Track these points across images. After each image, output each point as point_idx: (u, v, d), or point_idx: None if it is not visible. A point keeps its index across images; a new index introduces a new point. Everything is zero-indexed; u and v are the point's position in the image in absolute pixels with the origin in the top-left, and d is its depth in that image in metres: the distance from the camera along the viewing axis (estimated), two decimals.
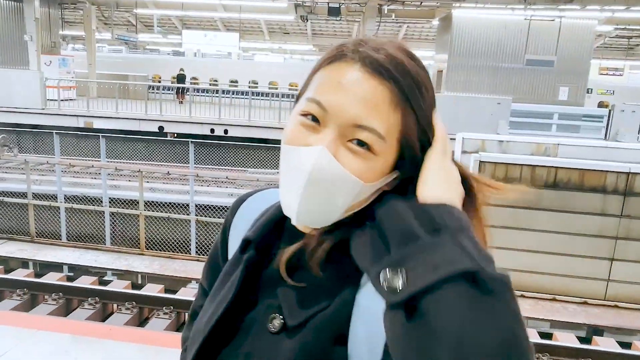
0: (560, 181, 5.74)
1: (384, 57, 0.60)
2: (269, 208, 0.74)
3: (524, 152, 7.42)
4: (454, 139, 7.58)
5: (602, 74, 24.97)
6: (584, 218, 5.72)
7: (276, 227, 0.71)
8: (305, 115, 0.61)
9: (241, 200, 0.83)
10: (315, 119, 0.61)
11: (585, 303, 5.78)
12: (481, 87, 15.97)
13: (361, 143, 0.59)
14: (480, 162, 5.85)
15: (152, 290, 5.97)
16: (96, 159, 10.35)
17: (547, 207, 5.76)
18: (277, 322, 0.64)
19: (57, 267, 7.11)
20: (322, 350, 0.61)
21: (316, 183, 0.59)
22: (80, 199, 9.20)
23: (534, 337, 4.93)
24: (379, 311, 0.54)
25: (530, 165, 5.81)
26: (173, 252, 7.75)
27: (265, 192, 0.82)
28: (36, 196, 8.55)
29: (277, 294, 0.66)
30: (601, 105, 20.58)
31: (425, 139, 0.63)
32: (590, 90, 20.02)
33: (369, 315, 0.59)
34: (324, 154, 0.58)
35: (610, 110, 14.69)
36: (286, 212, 0.64)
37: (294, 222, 0.63)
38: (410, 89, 0.60)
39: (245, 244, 0.71)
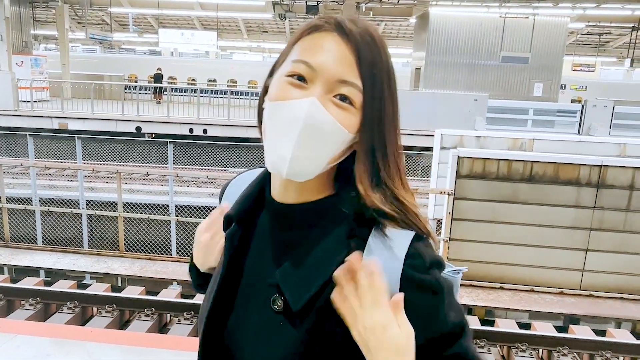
0: (536, 175, 5.87)
1: (359, 29, 0.67)
2: (248, 185, 0.80)
3: (500, 147, 7.57)
4: (433, 135, 7.69)
5: (574, 70, 25.54)
6: (559, 210, 5.86)
7: (256, 202, 0.77)
8: (292, 75, 0.67)
9: (225, 187, 0.90)
10: (301, 78, 0.66)
11: (561, 293, 5.93)
12: (458, 84, 16.20)
13: (343, 98, 0.66)
14: (459, 157, 5.94)
15: (133, 292, 5.89)
16: (72, 161, 10.16)
17: (523, 201, 5.89)
18: (279, 302, 0.68)
19: (33, 271, 6.95)
20: (329, 333, 0.65)
21: (309, 130, 0.64)
22: (57, 202, 9.02)
23: (513, 328, 5.04)
24: (393, 272, 0.65)
25: (507, 159, 5.93)
26: (153, 253, 7.66)
27: (245, 174, 0.89)
28: (10, 200, 8.35)
29: (276, 273, 0.69)
30: (574, 101, 21.07)
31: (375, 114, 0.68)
32: (563, 86, 20.48)
33: (381, 259, 0.66)
34: (315, 104, 0.64)
35: (583, 106, 15.06)
36: (275, 167, 0.68)
37: (283, 173, 0.67)
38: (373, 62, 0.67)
39: (228, 220, 0.77)
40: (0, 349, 2.72)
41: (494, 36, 16.15)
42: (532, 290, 5.94)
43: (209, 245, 0.82)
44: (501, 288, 5.96)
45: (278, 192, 0.73)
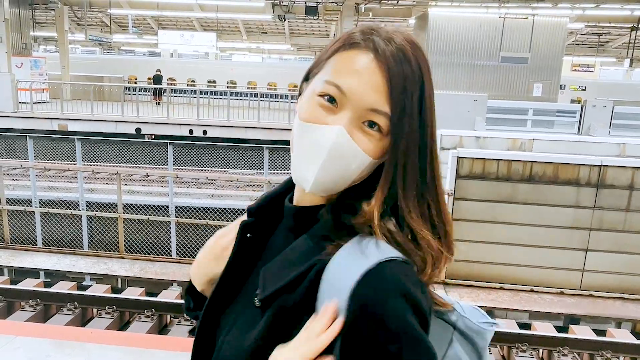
0: (536, 175, 5.87)
1: (393, 49, 0.66)
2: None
3: (500, 147, 7.58)
4: None
5: (574, 71, 25.56)
6: (559, 210, 5.86)
7: (278, 204, 0.78)
8: (323, 95, 0.67)
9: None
10: (332, 99, 0.66)
11: (561, 293, 5.93)
12: (458, 85, 16.20)
13: (372, 124, 0.66)
14: (458, 157, 5.95)
15: (133, 293, 5.89)
16: (72, 162, 10.15)
17: (523, 201, 5.89)
18: (259, 296, 0.69)
19: (33, 273, 6.95)
20: (287, 326, 0.65)
21: (334, 158, 0.66)
22: (56, 204, 9.01)
23: (513, 328, 5.04)
24: (343, 288, 0.60)
25: (507, 160, 5.93)
26: (153, 254, 7.65)
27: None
28: (10, 201, 8.34)
29: (262, 270, 0.71)
30: (574, 101, 21.08)
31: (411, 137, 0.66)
32: (563, 86, 20.48)
33: (334, 291, 0.62)
34: (342, 134, 0.65)
35: (582, 106, 15.06)
36: (299, 182, 0.70)
37: (307, 189, 0.68)
38: (410, 83, 0.66)
39: (248, 214, 0.79)
40: (0, 350, 2.71)
41: (494, 37, 16.15)
42: (532, 291, 5.94)
43: (224, 250, 0.80)
44: (501, 288, 5.96)
45: (297, 195, 0.75)
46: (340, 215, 0.68)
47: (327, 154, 0.65)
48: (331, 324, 0.60)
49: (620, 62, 25.64)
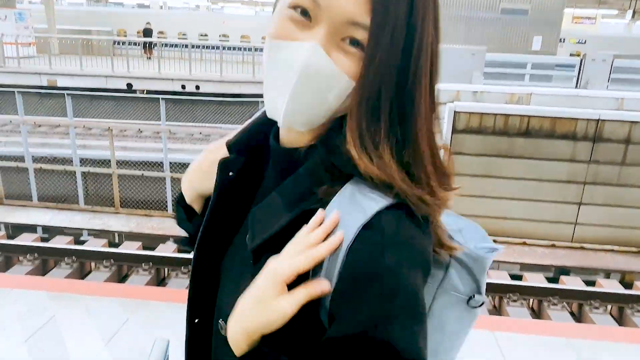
0: (533, 129, 5.83)
1: None
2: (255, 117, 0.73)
3: (497, 101, 7.49)
4: None
5: (575, 23, 25.01)
6: (554, 164, 5.87)
7: (265, 134, 0.70)
8: (294, 8, 0.57)
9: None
10: (305, 13, 0.57)
11: (553, 246, 6.03)
12: (455, 38, 15.83)
13: (355, 42, 0.56)
14: (455, 112, 5.88)
15: (130, 247, 5.94)
16: (63, 118, 9.98)
17: (519, 155, 5.88)
18: (249, 247, 0.63)
19: (30, 228, 6.97)
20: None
21: (306, 81, 0.56)
22: (50, 160, 8.93)
23: (505, 279, 5.15)
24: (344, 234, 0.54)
25: (504, 114, 5.87)
26: (150, 209, 7.67)
27: None
28: (2, 158, 8.26)
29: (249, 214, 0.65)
30: (573, 55, 20.74)
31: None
32: (562, 39, 20.09)
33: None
34: (316, 51, 0.55)
35: (581, 60, 14.82)
36: (272, 115, 0.61)
37: (280, 123, 0.60)
38: None
39: (228, 149, 0.71)
40: None
41: None
42: (525, 244, 6.04)
43: (212, 165, 0.72)
44: (494, 241, 6.03)
45: (282, 133, 0.67)
46: (327, 156, 0.59)
47: (298, 77, 0.56)
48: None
49: (623, 15, 25.06)
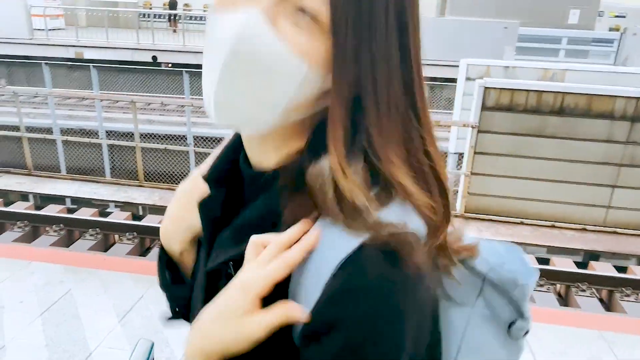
0: (567, 107, 5.54)
1: None
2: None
3: (530, 78, 7.16)
4: (458, 65, 7.29)
5: None
6: (589, 145, 5.59)
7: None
8: None
9: None
10: None
11: (584, 229, 5.80)
12: (487, 11, 15.22)
13: (304, 11, 0.44)
14: (485, 88, 5.63)
15: (153, 221, 5.98)
16: (89, 91, 10.06)
17: (551, 134, 5.62)
18: (206, 267, 0.56)
19: (56, 199, 7.10)
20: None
21: (238, 60, 0.44)
22: (76, 132, 9.06)
23: (532, 263, 4.99)
24: (315, 280, 0.43)
25: (537, 90, 5.59)
26: (173, 183, 7.71)
27: None
28: (31, 129, 8.39)
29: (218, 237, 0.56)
30: (612, 29, 19.76)
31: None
32: (601, 13, 19.12)
33: (303, 270, 0.45)
34: (253, 19, 0.43)
35: (621, 34, 14.08)
36: (207, 109, 0.49)
37: (212, 118, 0.49)
38: None
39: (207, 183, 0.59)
40: (15, 275, 2.76)
41: None
42: (553, 226, 5.82)
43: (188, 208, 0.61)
44: (521, 223, 5.85)
45: (246, 149, 0.55)
46: (295, 179, 0.47)
47: (227, 54, 0.43)
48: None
49: None
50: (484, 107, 5.67)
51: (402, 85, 0.46)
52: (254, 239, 0.47)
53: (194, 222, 0.61)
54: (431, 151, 0.48)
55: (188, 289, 0.63)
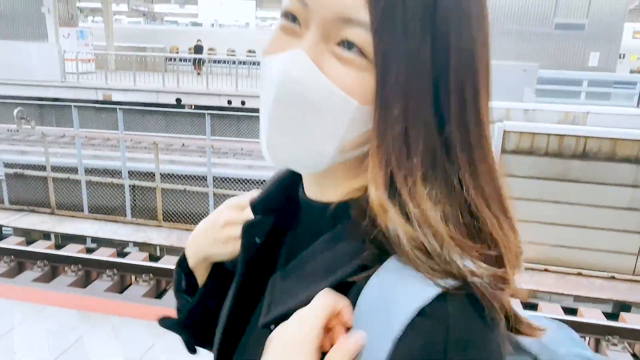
0: (590, 151, 5.44)
1: None
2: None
3: (551, 121, 7.09)
4: None
5: (636, 38, 23.78)
6: (615, 189, 5.44)
7: (292, 189, 0.58)
8: (286, 15, 0.46)
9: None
10: (295, 19, 0.46)
11: (612, 278, 5.56)
12: (506, 53, 15.35)
13: (350, 45, 0.43)
14: (505, 131, 5.58)
15: (170, 262, 5.98)
16: (114, 131, 10.36)
17: (575, 179, 5.50)
18: (261, 321, 0.51)
19: (77, 238, 7.19)
20: None
21: (288, 101, 0.44)
22: (100, 171, 9.25)
23: (558, 313, 4.77)
24: (383, 334, 0.40)
25: (559, 134, 5.52)
26: (191, 223, 7.75)
27: None
28: (57, 169, 8.62)
29: (269, 280, 0.52)
30: (634, 71, 19.67)
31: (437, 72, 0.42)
32: (622, 55, 19.10)
33: (371, 319, 0.41)
34: (297, 59, 0.43)
35: None
36: (263, 152, 0.49)
37: (266, 158, 0.48)
38: None
39: (253, 209, 0.58)
40: (30, 319, 2.75)
41: (547, 1, 15.12)
42: (580, 274, 5.61)
43: (229, 240, 0.61)
44: (546, 270, 5.65)
45: (304, 184, 0.55)
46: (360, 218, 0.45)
47: (275, 94, 0.43)
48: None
49: None
50: (504, 151, 5.60)
51: (432, 121, 0.43)
52: (327, 300, 0.43)
53: (211, 252, 0.62)
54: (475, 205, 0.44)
55: (195, 304, 0.64)
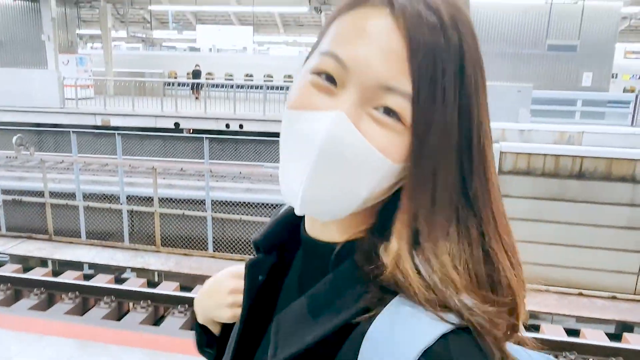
0: (586, 171, 5.48)
1: (418, 5, 0.46)
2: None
3: (546, 141, 7.16)
4: None
5: (627, 58, 24.16)
6: (612, 209, 5.46)
7: (292, 227, 0.61)
8: (318, 73, 0.48)
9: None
10: (331, 78, 0.47)
11: (614, 298, 5.54)
12: (500, 75, 15.56)
13: (388, 111, 0.46)
14: (501, 152, 5.63)
15: (168, 288, 5.93)
16: (113, 156, 10.40)
17: (572, 199, 5.52)
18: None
19: (75, 264, 7.14)
20: None
21: (329, 159, 0.46)
22: (99, 197, 9.25)
23: (560, 335, 4.73)
24: (398, 354, 0.42)
25: (555, 154, 5.57)
26: (190, 248, 7.71)
27: None
28: (55, 194, 8.61)
29: (275, 318, 0.54)
30: (627, 91, 19.92)
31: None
32: (615, 75, 19.37)
33: (384, 353, 0.43)
34: (341, 121, 0.45)
35: (637, 95, 14.15)
36: (288, 200, 0.50)
37: (297, 210, 0.49)
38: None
39: (255, 248, 0.62)
40: (28, 349, 2.72)
41: (540, 23, 15.40)
42: (581, 294, 5.58)
43: (229, 295, 0.66)
44: (547, 291, 5.62)
45: (306, 223, 0.57)
46: (365, 264, 0.48)
47: (318, 153, 0.45)
48: None
49: None
50: (501, 172, 5.64)
51: (458, 183, 0.47)
52: None
53: (215, 315, 0.68)
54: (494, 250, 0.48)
55: (216, 354, 0.70)
